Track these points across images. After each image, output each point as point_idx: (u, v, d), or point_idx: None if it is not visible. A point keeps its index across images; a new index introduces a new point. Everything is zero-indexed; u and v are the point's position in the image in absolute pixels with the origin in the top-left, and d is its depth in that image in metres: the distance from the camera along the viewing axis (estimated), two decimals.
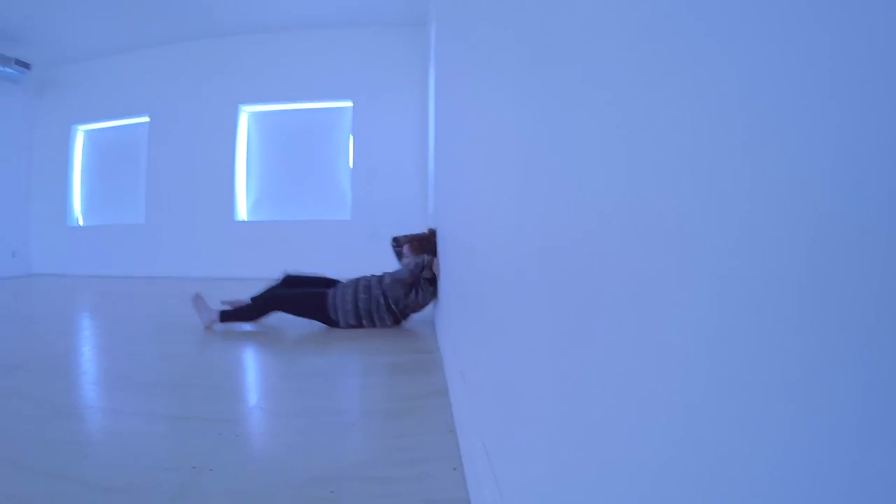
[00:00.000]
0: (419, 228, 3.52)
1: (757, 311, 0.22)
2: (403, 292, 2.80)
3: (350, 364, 2.23)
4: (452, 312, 1.81)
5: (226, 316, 2.86)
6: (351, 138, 6.22)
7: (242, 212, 6.45)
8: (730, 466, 0.23)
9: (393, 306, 2.83)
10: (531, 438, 0.59)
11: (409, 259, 2.95)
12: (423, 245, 2.99)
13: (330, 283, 3.04)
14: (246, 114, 6.47)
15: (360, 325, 2.87)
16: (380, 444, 1.34)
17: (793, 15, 0.20)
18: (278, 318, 3.03)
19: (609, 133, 0.38)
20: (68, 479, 1.14)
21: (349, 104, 6.24)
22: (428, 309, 3.09)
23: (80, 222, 7.04)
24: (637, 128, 0.34)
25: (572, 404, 0.45)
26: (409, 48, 6.01)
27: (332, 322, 2.89)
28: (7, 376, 1.97)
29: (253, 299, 2.92)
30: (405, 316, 2.92)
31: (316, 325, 2.93)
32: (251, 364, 2.25)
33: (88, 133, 7.05)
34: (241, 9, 5.63)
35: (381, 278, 2.93)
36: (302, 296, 2.93)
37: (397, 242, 3.24)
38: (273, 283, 3.13)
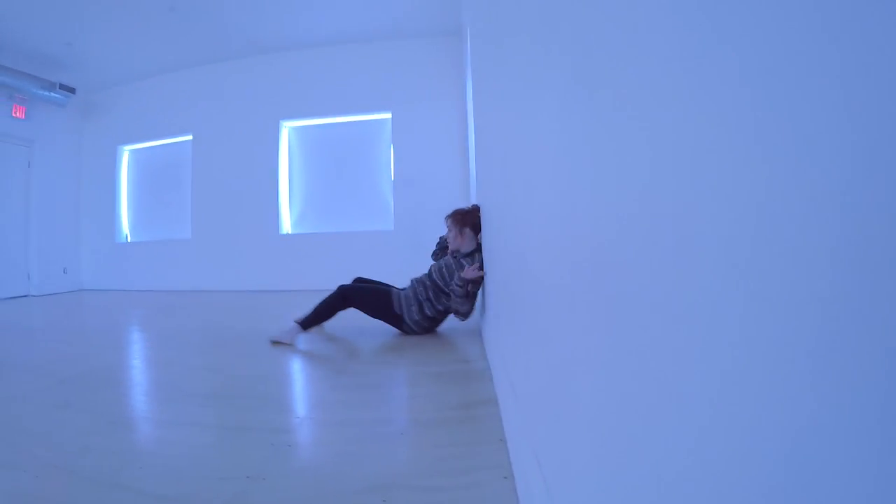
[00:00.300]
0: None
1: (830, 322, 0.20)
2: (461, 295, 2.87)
3: (398, 374, 2.22)
4: (500, 322, 1.79)
5: (306, 322, 2.93)
6: (392, 149, 6.27)
7: (287, 225, 6.55)
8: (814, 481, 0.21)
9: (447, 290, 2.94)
10: (584, 448, 0.57)
11: (454, 264, 3.00)
12: (466, 218, 3.08)
13: None
14: (287, 129, 6.59)
15: (422, 315, 2.97)
16: (430, 453, 1.33)
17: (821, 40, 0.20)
18: (332, 329, 3.13)
19: (655, 147, 0.37)
20: (123, 488, 1.16)
21: (388, 116, 6.30)
22: (474, 318, 3.14)
23: (129, 239, 7.24)
24: (680, 143, 0.32)
25: (626, 415, 0.44)
26: (445, 57, 6.05)
27: (396, 318, 3.00)
28: (61, 388, 2.02)
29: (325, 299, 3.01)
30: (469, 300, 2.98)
31: (368, 337, 2.96)
32: (299, 375, 2.27)
33: (134, 152, 7.29)
34: (279, 27, 5.75)
35: (429, 273, 3.07)
36: (372, 290, 3.06)
37: (436, 255, 3.40)
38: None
